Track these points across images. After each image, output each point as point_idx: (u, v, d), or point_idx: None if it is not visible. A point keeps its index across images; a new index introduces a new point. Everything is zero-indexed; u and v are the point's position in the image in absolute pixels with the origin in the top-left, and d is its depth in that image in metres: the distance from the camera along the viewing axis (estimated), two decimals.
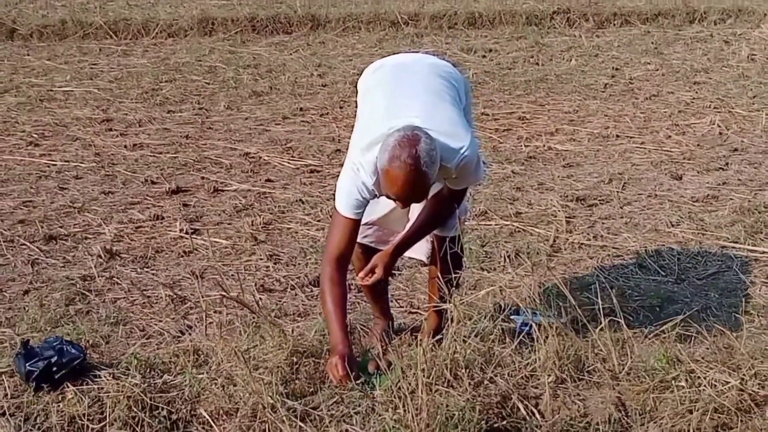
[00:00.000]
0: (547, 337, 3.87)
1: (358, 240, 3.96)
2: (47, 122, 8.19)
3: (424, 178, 3.45)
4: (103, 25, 11.88)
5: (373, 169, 3.57)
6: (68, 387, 3.67)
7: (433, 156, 3.43)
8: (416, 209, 3.94)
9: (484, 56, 11.02)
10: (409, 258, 4.48)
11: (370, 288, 4.29)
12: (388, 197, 3.59)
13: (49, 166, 7.05)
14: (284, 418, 3.42)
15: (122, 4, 13.39)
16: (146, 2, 13.51)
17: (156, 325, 4.61)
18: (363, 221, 3.89)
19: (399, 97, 3.81)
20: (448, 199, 3.87)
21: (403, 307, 4.87)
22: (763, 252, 5.57)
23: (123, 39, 11.78)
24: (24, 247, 5.56)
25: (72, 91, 9.31)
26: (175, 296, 4.89)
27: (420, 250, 4.11)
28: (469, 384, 3.60)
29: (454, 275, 3.98)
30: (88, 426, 3.52)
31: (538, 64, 10.69)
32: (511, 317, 4.29)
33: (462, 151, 3.60)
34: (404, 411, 3.40)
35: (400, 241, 3.88)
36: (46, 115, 8.43)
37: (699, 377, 3.72)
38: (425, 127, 3.52)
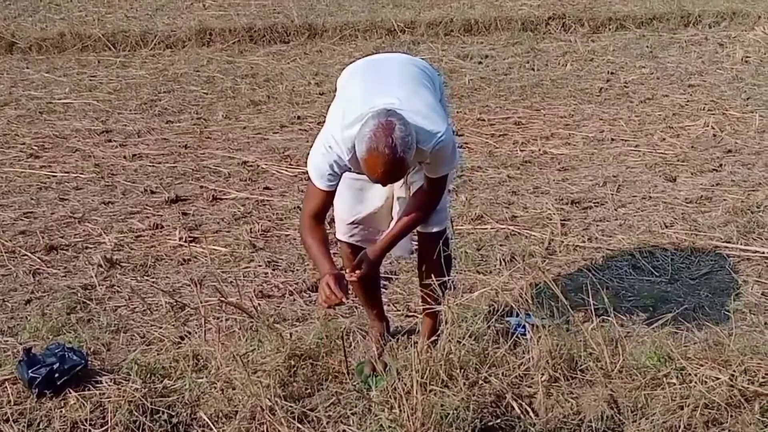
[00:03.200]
0: (540, 337, 3.94)
1: (345, 239, 4.14)
2: (47, 134, 8.26)
3: (401, 164, 3.56)
4: (102, 37, 11.95)
5: (350, 146, 3.66)
6: (70, 393, 3.76)
7: (408, 141, 3.54)
8: (401, 207, 4.06)
9: (480, 62, 11.08)
10: (393, 256, 4.55)
11: (363, 292, 4.40)
12: (369, 179, 3.70)
13: (49, 178, 7.12)
14: (282, 419, 3.50)
15: (120, 16, 13.45)
16: (144, 14, 13.58)
17: (156, 331, 4.68)
18: (348, 221, 4.08)
19: (377, 80, 3.93)
20: (430, 193, 3.95)
21: (399, 310, 4.94)
22: (756, 252, 5.63)
23: (121, 51, 11.83)
24: (25, 257, 5.64)
25: (71, 103, 9.38)
26: (174, 303, 4.95)
27: (401, 247, 4.18)
28: (464, 384, 3.68)
29: (446, 277, 4.07)
30: (90, 430, 3.59)
31: (533, 69, 10.75)
32: (506, 319, 4.36)
33: (439, 135, 3.71)
34: (400, 411, 3.47)
35: (386, 237, 3.95)
36: (45, 127, 8.50)
37: (690, 374, 3.79)
38: (403, 108, 3.63)
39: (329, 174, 3.79)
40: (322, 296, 3.73)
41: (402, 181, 4.01)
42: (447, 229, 4.27)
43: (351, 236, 4.20)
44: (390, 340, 4.44)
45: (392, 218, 4.10)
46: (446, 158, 3.83)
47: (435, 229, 4.15)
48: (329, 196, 3.89)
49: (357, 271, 3.88)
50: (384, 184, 3.80)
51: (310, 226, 3.92)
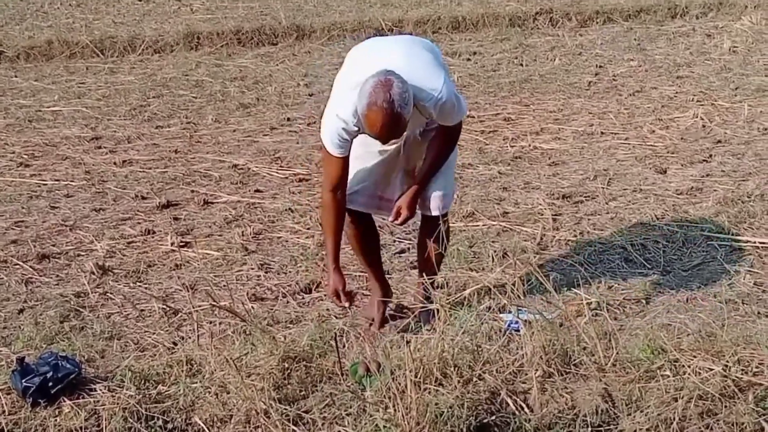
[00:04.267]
0: (533, 333, 3.95)
1: (349, 206, 4.38)
2: (36, 142, 8.23)
3: (399, 119, 3.83)
4: (90, 43, 11.92)
5: (353, 110, 3.93)
6: (64, 401, 3.75)
7: (405, 98, 3.81)
8: (401, 174, 4.42)
9: (468, 59, 11.09)
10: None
11: (364, 255, 4.66)
12: (369, 135, 3.98)
13: (39, 186, 7.10)
14: (277, 422, 3.50)
15: (108, 21, 13.42)
16: (131, 19, 13.55)
17: (150, 337, 4.67)
18: (351, 190, 4.33)
19: (378, 50, 4.24)
20: (446, 137, 4.31)
21: (391, 309, 4.93)
22: (747, 241, 5.65)
23: (109, 57, 11.80)
24: (17, 266, 5.62)
25: (60, 110, 9.35)
26: (167, 309, 4.95)
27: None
28: (458, 381, 3.68)
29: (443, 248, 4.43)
30: None
31: (522, 65, 10.76)
32: (499, 315, 4.37)
33: (437, 93, 3.99)
34: (395, 410, 3.48)
35: (417, 183, 4.32)
36: (35, 135, 8.47)
37: (683, 366, 3.80)
38: (401, 68, 3.91)
39: (340, 140, 4.07)
40: (330, 290, 4.34)
41: (400, 147, 4.34)
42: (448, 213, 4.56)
43: (353, 203, 4.42)
44: (391, 306, 4.71)
45: (393, 184, 4.40)
46: (451, 111, 4.14)
47: (436, 213, 4.40)
48: (344, 163, 4.17)
49: (401, 216, 4.26)
50: (384, 141, 4.03)
51: (330, 202, 4.25)
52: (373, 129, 3.86)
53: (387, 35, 4.67)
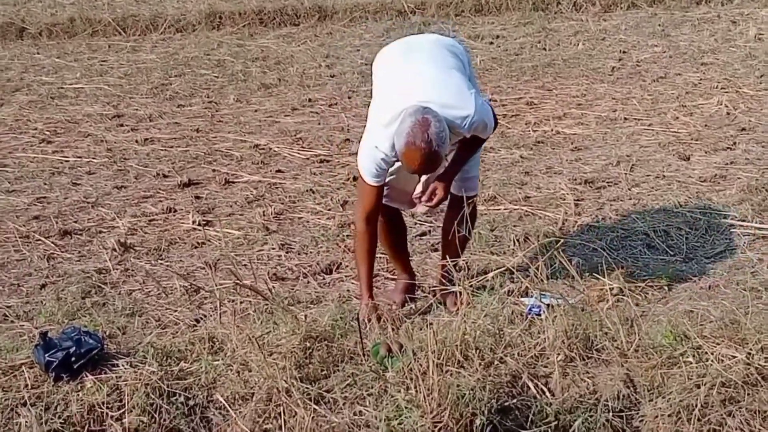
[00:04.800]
0: (555, 317, 3.94)
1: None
2: (59, 119, 8.26)
3: (436, 156, 3.96)
4: (112, 21, 11.94)
5: (392, 143, 4.05)
6: (87, 376, 3.77)
7: (442, 136, 3.93)
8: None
9: (491, 43, 11.04)
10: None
11: (392, 246, 4.71)
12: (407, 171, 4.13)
13: (62, 163, 7.13)
14: (299, 401, 3.51)
15: (130, 0, 13.44)
16: None
17: (171, 315, 4.68)
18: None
19: (409, 74, 4.24)
20: (475, 138, 4.33)
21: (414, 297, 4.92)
22: None
23: (131, 35, 11.83)
24: (39, 242, 5.65)
25: (82, 88, 9.38)
26: (189, 286, 4.96)
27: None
28: (480, 364, 3.68)
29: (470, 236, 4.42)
30: (107, 413, 3.62)
31: (545, 49, 10.70)
32: (521, 299, 4.35)
33: (470, 118, 4.10)
34: (416, 391, 3.47)
35: (449, 168, 4.32)
36: (57, 112, 8.50)
37: (706, 353, 3.78)
38: (435, 102, 4.01)
39: (378, 170, 4.19)
40: (363, 317, 4.25)
41: None
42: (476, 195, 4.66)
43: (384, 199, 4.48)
44: (417, 293, 4.73)
45: (417, 180, 4.39)
46: (484, 129, 4.25)
47: (465, 194, 4.39)
48: (380, 192, 4.30)
49: (435, 197, 4.25)
50: (420, 175, 4.21)
51: (365, 231, 4.34)
52: (412, 166, 4.00)
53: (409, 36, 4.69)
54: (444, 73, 4.22)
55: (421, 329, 4.04)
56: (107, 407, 3.63)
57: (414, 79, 4.18)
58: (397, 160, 4.11)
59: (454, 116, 4.06)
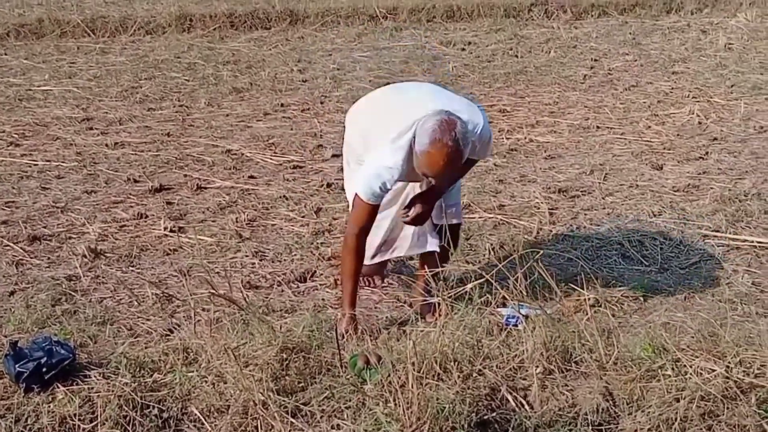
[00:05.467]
0: (534, 329, 3.91)
1: (371, 263, 4.60)
2: (27, 122, 8.15)
3: (461, 158, 3.94)
4: (81, 23, 11.82)
5: (404, 156, 4.01)
6: (58, 387, 3.68)
7: (467, 138, 3.95)
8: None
9: (463, 49, 11.04)
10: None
11: (358, 272, 4.48)
12: (425, 175, 4.07)
13: (30, 166, 7.02)
14: (275, 414, 3.45)
15: (99, 1, 13.32)
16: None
17: (144, 324, 4.61)
18: (374, 251, 4.52)
19: (411, 94, 4.34)
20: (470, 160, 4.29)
21: (390, 301, 4.89)
22: (745, 240, 5.62)
23: (101, 37, 11.71)
24: (8, 247, 5.54)
25: (51, 90, 9.27)
26: (162, 294, 4.88)
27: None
28: (458, 376, 3.63)
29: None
30: (79, 426, 3.53)
31: (517, 56, 10.73)
32: (498, 309, 4.32)
33: (480, 126, 4.13)
34: (395, 405, 3.43)
35: (434, 187, 4.25)
36: (25, 114, 8.38)
37: (685, 366, 3.76)
38: (448, 108, 4.00)
39: (382, 190, 4.10)
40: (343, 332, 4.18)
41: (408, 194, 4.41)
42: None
43: (374, 257, 4.60)
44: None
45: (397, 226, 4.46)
46: (489, 142, 4.29)
47: (456, 221, 4.51)
48: (374, 212, 4.21)
49: (412, 211, 4.22)
50: (438, 179, 4.09)
51: (355, 245, 4.23)
52: (434, 168, 3.93)
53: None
54: (446, 93, 4.33)
55: (398, 340, 4.00)
56: (79, 419, 3.54)
57: (419, 96, 4.22)
58: (402, 178, 4.10)
59: (470, 122, 4.06)
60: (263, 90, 9.25)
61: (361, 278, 4.54)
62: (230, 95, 9.08)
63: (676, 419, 3.57)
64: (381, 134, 4.16)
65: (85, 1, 13.31)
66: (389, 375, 3.55)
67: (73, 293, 4.97)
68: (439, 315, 3.96)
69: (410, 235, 4.50)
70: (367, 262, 4.50)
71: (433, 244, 4.44)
